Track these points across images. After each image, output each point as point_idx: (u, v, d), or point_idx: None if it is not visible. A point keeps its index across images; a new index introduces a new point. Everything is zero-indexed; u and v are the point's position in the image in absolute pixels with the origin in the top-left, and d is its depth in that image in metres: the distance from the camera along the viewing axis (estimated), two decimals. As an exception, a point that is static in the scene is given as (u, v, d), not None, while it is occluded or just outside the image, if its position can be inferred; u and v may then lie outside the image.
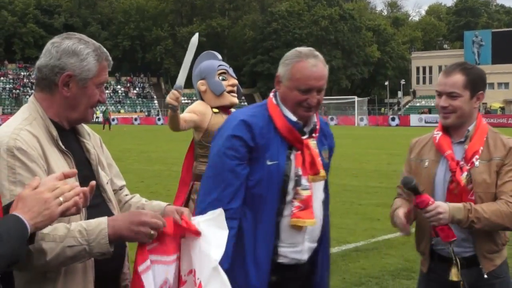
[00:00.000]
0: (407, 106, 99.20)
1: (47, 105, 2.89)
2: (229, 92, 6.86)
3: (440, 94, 3.82)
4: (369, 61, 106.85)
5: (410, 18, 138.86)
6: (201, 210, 3.34)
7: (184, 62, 6.82)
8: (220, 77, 6.84)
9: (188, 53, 6.67)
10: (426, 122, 72.91)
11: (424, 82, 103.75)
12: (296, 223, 3.49)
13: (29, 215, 2.24)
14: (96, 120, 69.89)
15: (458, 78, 3.75)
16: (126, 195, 3.25)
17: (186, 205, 6.95)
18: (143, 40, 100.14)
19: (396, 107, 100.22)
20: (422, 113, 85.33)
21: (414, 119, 76.13)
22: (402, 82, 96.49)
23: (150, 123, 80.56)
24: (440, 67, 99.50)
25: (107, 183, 3.06)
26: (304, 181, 3.51)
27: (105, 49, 2.97)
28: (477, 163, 3.73)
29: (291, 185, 3.50)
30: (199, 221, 2.86)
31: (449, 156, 3.76)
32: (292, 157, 3.52)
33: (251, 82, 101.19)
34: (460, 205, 3.59)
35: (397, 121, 76.71)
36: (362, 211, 12.79)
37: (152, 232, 2.67)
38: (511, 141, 3.80)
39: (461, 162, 3.73)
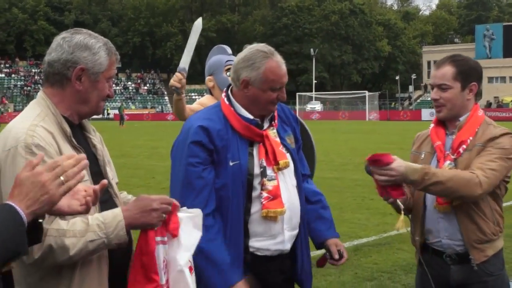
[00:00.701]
0: (418, 101, 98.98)
1: (58, 100, 2.91)
2: None
3: (432, 87, 3.85)
4: (380, 56, 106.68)
5: (420, 12, 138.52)
6: None
7: (187, 45, 6.81)
8: (228, 73, 6.82)
9: (192, 36, 6.64)
10: (437, 117, 72.78)
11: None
12: (267, 214, 3.49)
13: (24, 203, 2.13)
14: (107, 116, 70.18)
15: (448, 70, 3.75)
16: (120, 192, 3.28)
17: None
18: (153, 36, 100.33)
19: (407, 102, 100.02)
20: (432, 107, 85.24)
21: (425, 113, 75.86)
22: (413, 76, 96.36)
23: (161, 119, 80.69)
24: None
25: (112, 178, 3.09)
26: (269, 172, 3.52)
27: (112, 44, 3.01)
28: (462, 152, 3.72)
29: (256, 180, 3.51)
30: (182, 217, 2.92)
31: (438, 147, 3.79)
32: (254, 152, 3.55)
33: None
34: (417, 166, 3.56)
35: (406, 115, 76.63)
36: (373, 206, 12.72)
37: (164, 215, 2.80)
38: (499, 130, 3.76)
39: (447, 152, 3.74)
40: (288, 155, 3.64)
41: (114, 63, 2.99)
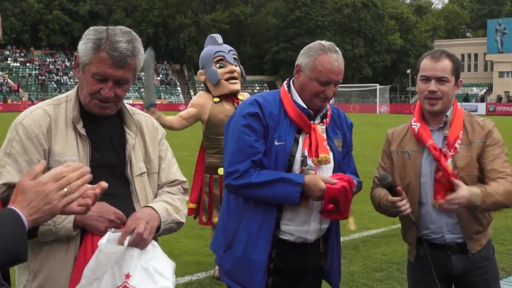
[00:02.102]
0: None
1: (80, 87, 3.02)
2: (227, 79, 6.82)
3: (428, 79, 3.84)
4: (392, 49, 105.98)
5: (433, 6, 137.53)
6: (228, 182, 3.61)
7: (144, 81, 6.66)
8: (217, 65, 6.78)
9: (146, 71, 6.52)
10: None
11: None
12: (320, 159, 3.66)
13: (27, 211, 2.12)
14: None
15: (447, 63, 3.82)
16: (168, 192, 3.24)
17: (200, 197, 7.05)
18: (166, 27, 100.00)
19: (417, 96, 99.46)
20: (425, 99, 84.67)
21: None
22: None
23: (173, 109, 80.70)
24: (462, 55, 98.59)
25: (141, 175, 3.10)
26: (309, 162, 3.65)
27: (121, 46, 2.86)
28: (459, 148, 3.79)
29: (296, 165, 3.64)
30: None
31: (431, 146, 3.81)
32: (300, 139, 3.68)
33: (274, 70, 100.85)
34: (476, 190, 3.62)
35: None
36: (383, 198, 12.85)
37: (112, 230, 2.83)
38: (487, 122, 3.88)
39: (444, 149, 3.79)
40: (331, 154, 3.75)
41: (103, 60, 2.86)
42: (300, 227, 3.68)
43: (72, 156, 2.87)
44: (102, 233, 2.81)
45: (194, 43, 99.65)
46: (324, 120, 3.79)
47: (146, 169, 3.15)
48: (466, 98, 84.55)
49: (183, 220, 3.21)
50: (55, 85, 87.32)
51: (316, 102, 3.70)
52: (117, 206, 2.91)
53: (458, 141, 3.80)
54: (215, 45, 7.02)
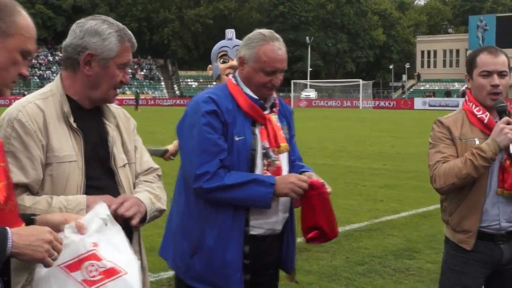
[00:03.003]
0: (411, 90, 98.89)
1: (69, 84, 2.98)
2: (228, 74, 6.88)
3: (490, 74, 3.85)
4: (375, 45, 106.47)
5: (415, 2, 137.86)
6: (198, 185, 3.46)
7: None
8: (221, 60, 6.85)
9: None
10: (430, 106, 73.01)
11: (428, 66, 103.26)
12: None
13: (19, 239, 2.19)
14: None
15: (505, 58, 3.89)
16: (145, 181, 3.24)
17: None
18: (150, 22, 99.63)
19: (400, 91, 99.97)
20: (426, 96, 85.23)
21: (418, 102, 76.11)
22: (407, 65, 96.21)
23: (157, 104, 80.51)
24: (444, 51, 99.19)
25: (124, 166, 3.11)
26: (272, 153, 3.60)
27: (129, 32, 3.02)
28: None
29: (258, 158, 3.58)
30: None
31: None
32: (257, 132, 3.61)
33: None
34: None
35: (399, 104, 76.77)
36: (365, 192, 13.00)
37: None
38: None
39: None
40: None
41: (127, 49, 2.98)
42: (269, 219, 3.63)
43: (69, 151, 2.86)
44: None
45: (178, 38, 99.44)
46: (274, 109, 3.74)
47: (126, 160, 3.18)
48: (447, 93, 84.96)
49: (165, 207, 3.23)
50: (37, 80, 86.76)
51: (264, 92, 3.65)
52: None
53: None
54: (225, 40, 7.09)
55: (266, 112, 3.68)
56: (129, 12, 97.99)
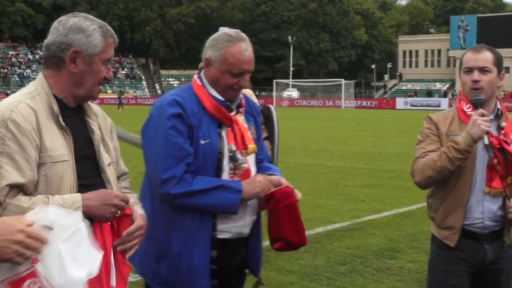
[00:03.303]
0: (393, 89, 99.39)
1: (54, 82, 2.94)
2: None
3: (470, 70, 3.92)
4: (357, 44, 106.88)
5: (397, 2, 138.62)
6: (165, 190, 3.41)
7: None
8: None
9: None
10: (411, 105, 73.43)
11: (410, 66, 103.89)
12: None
13: None
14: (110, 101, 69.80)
15: (488, 55, 3.91)
16: (125, 188, 3.26)
17: None
18: (131, 20, 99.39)
19: (382, 90, 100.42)
20: (408, 96, 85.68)
21: (400, 102, 76.54)
22: (389, 65, 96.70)
23: (138, 103, 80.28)
24: (426, 51, 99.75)
25: (109, 164, 3.10)
26: (239, 156, 3.55)
27: (110, 28, 3.02)
28: None
29: (225, 161, 3.53)
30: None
31: (489, 133, 3.83)
32: (223, 134, 3.55)
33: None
34: None
35: (381, 104, 77.16)
36: (347, 192, 13.00)
37: (118, 212, 2.84)
38: None
39: (501, 137, 3.87)
40: None
41: (110, 45, 2.98)
42: (236, 222, 3.59)
43: (62, 150, 2.83)
44: (109, 220, 2.81)
45: (160, 36, 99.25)
46: (241, 109, 3.69)
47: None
48: (429, 93, 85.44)
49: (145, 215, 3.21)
50: (17, 79, 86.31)
51: (231, 94, 3.58)
52: None
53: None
54: None
55: (232, 113, 3.62)
56: (110, 10, 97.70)
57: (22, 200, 2.67)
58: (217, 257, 3.57)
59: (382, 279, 7.17)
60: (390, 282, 7.08)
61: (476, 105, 3.83)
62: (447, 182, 3.90)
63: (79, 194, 2.77)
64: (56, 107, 2.88)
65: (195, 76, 3.70)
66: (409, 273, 7.37)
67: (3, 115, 2.74)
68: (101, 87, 3.05)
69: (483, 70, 3.89)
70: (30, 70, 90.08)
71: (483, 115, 3.74)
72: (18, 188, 2.70)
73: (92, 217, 2.79)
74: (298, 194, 3.59)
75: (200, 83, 3.62)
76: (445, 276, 4.02)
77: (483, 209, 3.90)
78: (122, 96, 67.48)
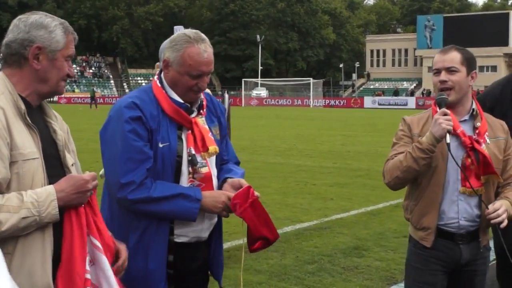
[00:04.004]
0: (361, 88, 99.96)
1: (16, 80, 2.91)
2: None
3: (438, 71, 3.95)
4: (325, 44, 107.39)
5: (365, 2, 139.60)
6: (123, 195, 3.35)
7: None
8: None
9: None
10: (379, 104, 73.92)
11: (378, 65, 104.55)
12: None
13: None
14: (51, 100, 69.12)
15: (455, 55, 3.93)
16: None
17: None
18: (99, 19, 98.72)
19: (350, 89, 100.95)
20: (376, 95, 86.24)
21: (367, 101, 77.00)
22: (357, 64, 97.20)
23: (106, 102, 79.72)
24: (393, 51, 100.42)
25: (72, 165, 3.07)
26: (199, 159, 3.50)
27: (68, 24, 3.02)
28: (488, 140, 3.92)
29: (184, 165, 3.48)
30: None
31: (462, 133, 3.88)
32: (183, 137, 3.51)
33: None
34: (507, 203, 3.86)
35: (349, 103, 77.57)
36: (315, 191, 13.03)
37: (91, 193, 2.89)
38: (502, 122, 4.09)
39: (474, 137, 3.88)
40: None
41: (71, 42, 2.98)
42: (195, 227, 3.54)
43: (32, 148, 2.80)
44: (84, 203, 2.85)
45: (128, 35, 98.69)
46: (202, 111, 3.62)
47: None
48: (396, 92, 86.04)
49: None
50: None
51: (191, 96, 3.52)
52: None
53: (487, 133, 3.95)
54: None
55: (193, 115, 3.56)
56: (77, 9, 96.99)
57: None
58: (174, 261, 3.52)
59: (350, 278, 7.19)
60: (358, 280, 7.10)
61: (440, 104, 3.86)
62: (420, 183, 3.93)
63: (51, 186, 2.77)
64: (22, 105, 2.85)
65: (155, 77, 3.63)
66: (377, 271, 7.40)
67: None
68: (64, 82, 3.05)
69: (450, 70, 3.91)
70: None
71: (445, 114, 3.76)
72: None
73: (69, 206, 2.81)
74: (256, 193, 3.53)
75: (159, 85, 3.56)
76: (420, 274, 4.05)
77: (458, 209, 3.92)
78: (95, 96, 67.00)
